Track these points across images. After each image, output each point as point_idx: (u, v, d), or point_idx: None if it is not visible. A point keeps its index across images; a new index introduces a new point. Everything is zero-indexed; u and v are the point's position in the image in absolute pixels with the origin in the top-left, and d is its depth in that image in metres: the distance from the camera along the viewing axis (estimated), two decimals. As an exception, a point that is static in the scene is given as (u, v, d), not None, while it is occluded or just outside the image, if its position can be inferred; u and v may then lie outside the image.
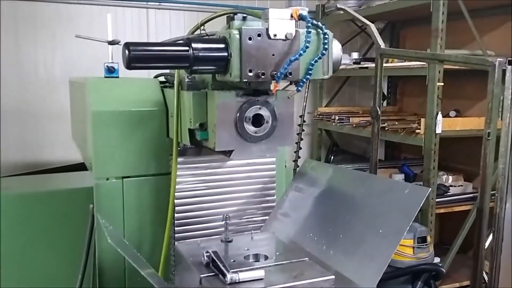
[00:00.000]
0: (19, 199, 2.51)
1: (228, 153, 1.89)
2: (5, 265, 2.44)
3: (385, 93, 5.70)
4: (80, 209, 2.40)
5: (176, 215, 2.20)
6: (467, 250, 3.96)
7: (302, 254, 1.91)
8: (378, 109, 3.31)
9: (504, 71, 2.68)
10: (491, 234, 2.81)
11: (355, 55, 4.99)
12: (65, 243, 2.51)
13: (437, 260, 3.52)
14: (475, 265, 2.79)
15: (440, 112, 3.72)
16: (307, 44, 1.70)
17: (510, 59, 2.76)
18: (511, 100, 2.68)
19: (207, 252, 1.77)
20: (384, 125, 3.99)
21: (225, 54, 1.71)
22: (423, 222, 3.72)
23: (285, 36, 1.71)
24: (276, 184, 2.40)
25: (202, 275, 1.72)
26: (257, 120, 1.85)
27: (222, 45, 1.72)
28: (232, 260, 1.85)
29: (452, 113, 4.40)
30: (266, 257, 1.89)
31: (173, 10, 4.86)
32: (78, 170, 3.02)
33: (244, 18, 1.79)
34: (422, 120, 3.83)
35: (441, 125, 3.72)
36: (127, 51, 1.66)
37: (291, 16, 1.70)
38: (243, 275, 1.67)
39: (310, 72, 1.76)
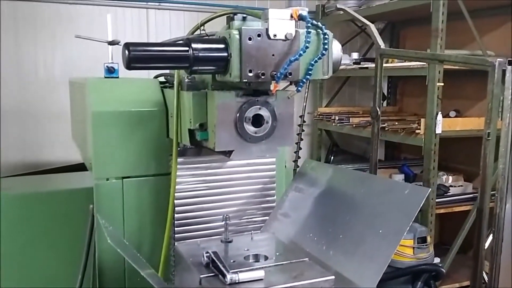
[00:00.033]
0: (19, 200, 2.51)
1: (228, 154, 1.89)
2: (5, 265, 2.44)
3: (385, 93, 5.70)
4: (80, 210, 2.40)
5: (176, 215, 2.20)
6: (467, 250, 3.96)
7: (302, 254, 1.91)
8: (378, 109, 3.31)
9: (504, 71, 2.68)
10: (491, 235, 2.81)
11: (355, 55, 4.99)
12: (65, 243, 2.51)
13: (437, 260, 3.52)
14: (475, 265, 2.79)
15: (440, 112, 3.71)
16: (307, 45, 1.70)
17: (510, 59, 2.76)
18: (511, 100, 2.68)
19: (207, 252, 1.77)
20: (384, 125, 3.99)
21: (225, 54, 1.71)
22: (423, 223, 3.71)
23: (285, 36, 1.71)
24: (276, 185, 2.40)
25: (202, 276, 1.72)
26: (257, 121, 1.85)
27: (222, 45, 1.72)
28: (232, 261, 1.85)
29: (452, 113, 4.40)
30: (266, 258, 1.89)
31: (173, 10, 4.86)
32: (78, 171, 3.02)
33: (244, 18, 1.79)
34: (422, 120, 3.83)
35: (441, 125, 3.72)
36: (127, 51, 1.66)
37: (291, 16, 1.70)
38: (243, 276, 1.67)
39: (310, 72, 1.76)
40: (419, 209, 1.74)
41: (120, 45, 1.76)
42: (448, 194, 4.14)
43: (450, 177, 4.42)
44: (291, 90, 1.84)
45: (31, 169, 4.07)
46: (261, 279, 1.69)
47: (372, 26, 3.30)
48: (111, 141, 2.27)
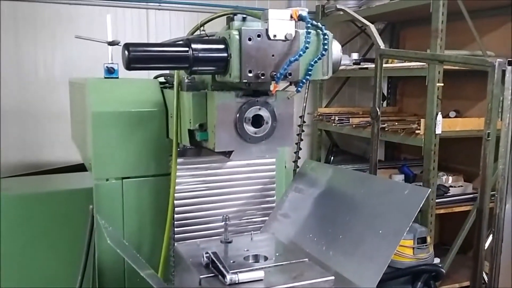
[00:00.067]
0: (19, 200, 2.51)
1: (227, 154, 1.89)
2: (5, 265, 2.44)
3: (385, 94, 5.71)
4: (79, 210, 2.40)
5: (175, 216, 2.20)
6: (467, 250, 3.96)
7: (302, 255, 1.91)
8: (378, 110, 3.31)
9: (503, 72, 2.67)
10: (491, 235, 2.81)
11: (355, 55, 4.99)
12: (65, 244, 2.51)
13: (437, 260, 3.52)
14: (475, 265, 2.79)
15: (440, 113, 3.72)
16: (307, 45, 1.70)
17: (510, 59, 2.76)
18: (511, 101, 2.68)
19: (207, 253, 1.77)
20: (384, 125, 3.99)
21: (225, 54, 1.71)
22: (423, 223, 3.71)
23: (285, 36, 1.71)
24: (276, 185, 2.39)
25: (201, 276, 1.72)
26: (257, 121, 1.85)
27: (221, 46, 1.72)
28: (231, 261, 1.85)
29: (452, 114, 4.40)
30: (265, 258, 1.89)
31: (173, 11, 4.86)
32: (78, 171, 3.02)
33: (243, 19, 1.80)
34: (422, 120, 3.83)
35: (441, 125, 3.72)
36: (126, 52, 1.66)
37: (291, 16, 1.70)
38: (243, 276, 1.67)
39: (310, 72, 1.76)
40: (419, 209, 1.74)
41: (120, 45, 1.76)
42: (448, 194, 4.14)
43: (450, 178, 4.42)
44: (291, 91, 1.84)
45: (31, 169, 4.07)
46: (261, 280, 1.69)
47: (372, 27, 3.30)
48: (111, 142, 2.27)
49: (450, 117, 4.25)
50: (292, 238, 2.11)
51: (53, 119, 4.40)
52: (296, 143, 4.89)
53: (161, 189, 2.28)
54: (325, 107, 5.49)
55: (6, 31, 4.24)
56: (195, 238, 2.17)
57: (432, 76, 3.70)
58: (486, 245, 2.87)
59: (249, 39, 1.68)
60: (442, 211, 3.99)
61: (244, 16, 1.80)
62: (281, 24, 1.70)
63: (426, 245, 3.22)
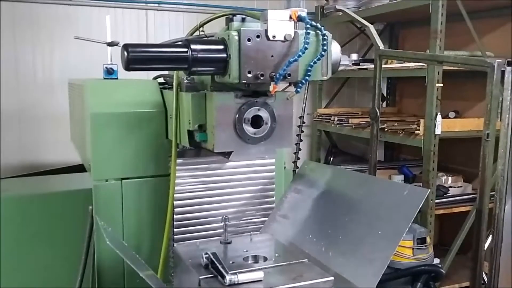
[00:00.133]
0: (19, 201, 2.51)
1: (227, 155, 1.89)
2: (5, 266, 2.43)
3: (384, 94, 5.71)
4: (79, 211, 2.39)
5: (175, 216, 2.20)
6: (466, 251, 3.95)
7: (301, 255, 1.91)
8: (377, 110, 3.32)
9: (503, 72, 2.68)
10: (491, 235, 2.81)
11: (354, 56, 4.99)
12: (64, 244, 2.51)
13: (436, 261, 3.51)
14: (474, 266, 2.79)
15: (439, 113, 3.71)
16: (306, 46, 1.70)
17: (509, 60, 2.76)
18: (510, 101, 2.68)
19: (206, 253, 1.77)
20: (383, 126, 3.99)
21: (224, 55, 1.71)
22: (422, 223, 3.71)
23: (284, 37, 1.71)
24: (275, 186, 2.39)
25: (201, 277, 1.72)
26: (256, 122, 1.85)
27: (221, 47, 1.72)
28: (231, 262, 1.84)
29: (452, 114, 4.40)
30: (265, 259, 1.89)
31: (172, 12, 4.86)
32: (77, 172, 3.01)
33: (243, 20, 1.80)
34: (422, 121, 3.82)
35: (441, 126, 3.72)
36: (125, 53, 1.66)
37: (290, 17, 1.70)
38: (242, 277, 1.67)
39: (309, 73, 1.76)
40: (418, 210, 1.74)
41: (119, 46, 1.76)
42: (448, 195, 4.14)
43: (450, 178, 4.42)
44: (290, 91, 1.84)
45: (30, 170, 4.07)
46: (260, 280, 1.69)
47: (371, 27, 3.30)
48: (110, 143, 2.27)
49: (449, 118, 4.26)
50: (291, 238, 2.11)
51: (52, 121, 4.39)
52: (296, 144, 4.88)
53: (161, 190, 2.28)
54: (324, 107, 5.49)
55: (4, 32, 4.23)
56: (194, 239, 2.17)
57: (432, 76, 3.70)
58: (486, 245, 2.87)
59: (248, 40, 1.68)
60: (441, 211, 3.99)
61: (243, 16, 1.80)
62: (280, 24, 1.70)
63: (425, 246, 3.22)
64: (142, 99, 2.36)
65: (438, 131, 3.72)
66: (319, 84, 5.30)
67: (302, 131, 4.93)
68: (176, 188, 2.18)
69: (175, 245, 2.11)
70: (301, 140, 4.94)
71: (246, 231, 2.28)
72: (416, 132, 3.88)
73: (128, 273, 2.30)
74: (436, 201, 3.91)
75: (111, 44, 2.92)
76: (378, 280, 1.64)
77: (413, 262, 3.13)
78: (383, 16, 4.70)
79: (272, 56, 1.71)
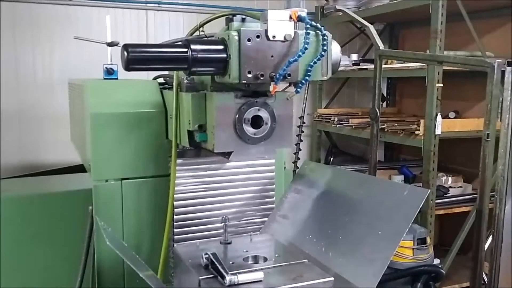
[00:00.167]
0: (19, 201, 2.50)
1: (227, 155, 1.89)
2: (5, 266, 2.43)
3: (384, 95, 5.71)
4: (79, 211, 2.39)
5: (175, 217, 2.20)
6: (467, 251, 3.95)
7: (301, 256, 1.91)
8: (377, 111, 3.31)
9: (503, 72, 2.67)
10: (491, 236, 2.81)
11: (354, 56, 4.99)
12: (64, 245, 2.51)
13: (436, 261, 3.51)
14: (474, 266, 2.79)
15: (439, 113, 3.71)
16: (306, 46, 1.70)
17: (509, 60, 2.76)
18: (510, 101, 2.68)
19: (206, 254, 1.77)
20: (383, 126, 3.99)
21: (224, 55, 1.71)
22: (422, 224, 3.71)
23: (284, 37, 1.71)
24: (275, 186, 2.39)
25: (201, 277, 1.72)
26: (256, 122, 1.85)
27: (221, 47, 1.72)
28: (231, 262, 1.84)
29: (452, 114, 4.40)
30: (265, 259, 1.89)
31: (172, 12, 4.86)
32: (77, 172, 3.01)
33: (243, 20, 1.80)
34: (422, 121, 3.82)
35: (441, 126, 3.72)
36: (125, 53, 1.66)
37: (290, 17, 1.70)
38: (242, 277, 1.66)
39: (309, 73, 1.76)
40: (418, 210, 1.74)
41: (119, 46, 1.76)
42: (448, 195, 4.14)
43: (450, 178, 4.42)
44: (290, 92, 1.84)
45: (30, 170, 4.07)
46: (260, 281, 1.69)
47: (371, 27, 3.30)
48: (110, 143, 2.27)
49: (449, 118, 4.26)
50: (291, 239, 2.11)
51: (52, 121, 4.39)
52: (296, 144, 4.88)
53: (161, 190, 2.28)
54: (324, 108, 5.49)
55: (4, 32, 4.23)
56: (194, 239, 2.17)
57: (432, 77, 3.70)
58: (486, 245, 2.87)
59: (248, 40, 1.68)
60: (441, 212, 3.99)
61: (243, 17, 1.80)
62: (280, 25, 1.70)
63: (425, 246, 3.21)
64: (142, 99, 2.35)
65: (438, 131, 3.72)
66: (319, 84, 5.30)
67: (302, 131, 4.93)
68: (176, 188, 2.18)
69: (175, 245, 2.11)
70: (301, 140, 4.94)
71: (246, 231, 2.28)
72: (416, 132, 3.88)
73: (128, 274, 2.30)
74: (436, 201, 3.91)
75: (111, 44, 2.92)
76: (378, 281, 1.64)
77: (413, 263, 3.12)
78: (383, 16, 4.70)
79: (272, 56, 1.71)
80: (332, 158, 5.57)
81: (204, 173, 2.26)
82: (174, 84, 2.08)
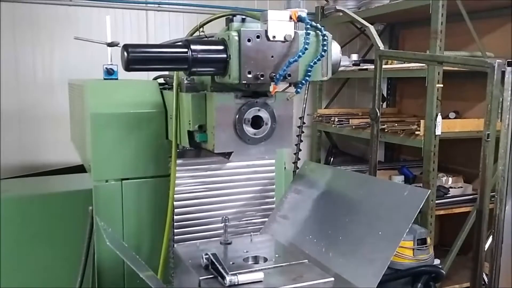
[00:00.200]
0: (19, 201, 2.50)
1: (227, 155, 1.89)
2: (5, 266, 2.43)
3: (385, 95, 5.71)
4: (79, 211, 2.39)
5: (175, 217, 2.19)
6: (467, 251, 3.95)
7: (301, 256, 1.91)
8: (378, 111, 3.31)
9: (503, 73, 2.67)
10: (491, 236, 2.81)
11: (354, 56, 4.98)
12: (65, 245, 2.51)
13: (437, 261, 3.51)
14: (475, 266, 2.79)
15: (439, 114, 3.71)
16: (306, 46, 1.70)
17: (509, 60, 2.76)
18: (510, 102, 2.68)
19: (206, 254, 1.77)
20: (383, 126, 3.99)
21: (224, 55, 1.71)
22: (423, 224, 3.71)
23: (284, 37, 1.71)
24: (275, 186, 2.39)
25: (201, 278, 1.72)
26: (256, 122, 1.85)
27: (221, 47, 1.72)
28: (231, 263, 1.84)
29: (452, 115, 4.40)
30: (265, 259, 1.89)
31: (172, 12, 4.86)
32: (77, 172, 3.01)
33: (243, 20, 1.79)
34: (422, 121, 3.82)
35: (441, 126, 3.72)
36: (125, 53, 1.66)
37: (290, 17, 1.70)
38: (242, 277, 1.66)
39: (309, 74, 1.76)
40: (418, 210, 1.74)
41: (119, 46, 1.75)
42: (448, 195, 4.14)
43: (450, 179, 4.42)
44: (291, 92, 1.84)
45: (30, 171, 4.07)
46: (261, 281, 1.69)
47: (371, 28, 3.30)
48: (110, 143, 2.27)
49: (449, 118, 4.25)
50: (291, 239, 2.11)
51: (52, 121, 4.39)
52: (296, 144, 4.88)
53: (161, 191, 2.28)
54: (324, 108, 5.49)
55: (4, 32, 4.23)
56: (194, 240, 2.17)
57: (432, 77, 3.70)
58: (486, 246, 2.87)
59: (248, 40, 1.68)
60: (442, 212, 3.99)
61: (243, 17, 1.80)
62: (280, 25, 1.70)
63: (426, 246, 3.21)
64: (142, 99, 2.35)
65: (438, 131, 3.72)
66: (319, 84, 5.30)
67: (302, 132, 4.93)
68: (176, 188, 2.18)
69: (175, 245, 2.11)
70: (301, 141, 4.94)
71: (246, 231, 2.28)
72: (416, 132, 3.88)
73: (128, 274, 2.30)
74: (437, 201, 3.91)
75: (111, 44, 2.92)
76: (379, 281, 1.64)
77: (413, 263, 3.12)
78: (383, 16, 4.70)
79: (272, 57, 1.71)
80: (332, 159, 5.57)
81: (204, 174, 2.25)
82: (174, 84, 2.07)
